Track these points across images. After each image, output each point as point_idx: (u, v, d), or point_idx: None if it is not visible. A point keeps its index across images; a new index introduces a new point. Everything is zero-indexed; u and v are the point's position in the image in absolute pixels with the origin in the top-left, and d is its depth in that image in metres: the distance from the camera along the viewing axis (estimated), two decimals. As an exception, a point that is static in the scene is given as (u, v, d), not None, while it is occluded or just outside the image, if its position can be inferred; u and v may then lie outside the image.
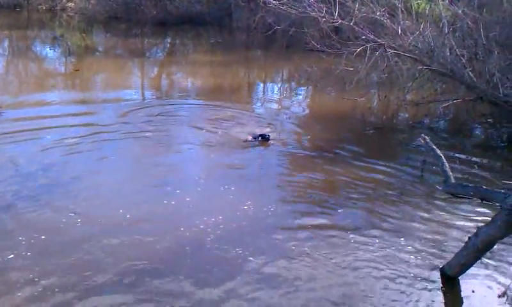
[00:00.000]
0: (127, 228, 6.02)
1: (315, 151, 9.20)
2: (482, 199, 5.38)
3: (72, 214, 6.21)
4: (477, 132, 11.36)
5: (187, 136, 9.56)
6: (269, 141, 9.32)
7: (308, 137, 10.13)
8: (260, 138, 9.37)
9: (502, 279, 5.39)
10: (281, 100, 13.97)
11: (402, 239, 6.15)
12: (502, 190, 4.87)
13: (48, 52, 19.77)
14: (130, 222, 6.12)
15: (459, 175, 6.96)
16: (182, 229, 6.02)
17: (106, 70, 16.37)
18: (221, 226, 6.14)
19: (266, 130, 9.87)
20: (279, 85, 16.49)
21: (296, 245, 5.88)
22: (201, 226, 6.09)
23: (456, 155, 8.76)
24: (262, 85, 16.26)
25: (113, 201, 6.69)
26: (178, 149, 8.97)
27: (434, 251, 5.94)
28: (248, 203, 6.81)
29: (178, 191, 7.03)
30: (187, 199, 6.86)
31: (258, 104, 13.23)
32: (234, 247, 5.71)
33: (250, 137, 9.40)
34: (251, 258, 5.51)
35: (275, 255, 5.65)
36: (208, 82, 15.34)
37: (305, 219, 6.64)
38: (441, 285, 5.32)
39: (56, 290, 4.80)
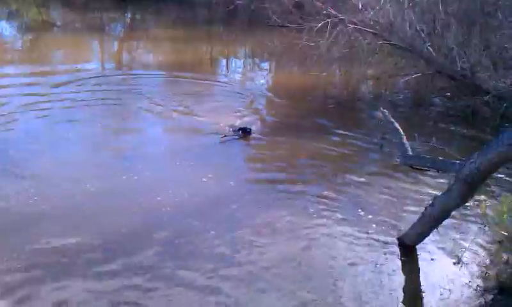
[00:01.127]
0: (91, 202, 5.94)
1: (277, 125, 9.23)
2: (438, 170, 5.49)
3: (32, 190, 6.07)
4: (436, 106, 11.54)
5: (148, 110, 9.44)
6: (251, 135, 8.34)
7: (272, 111, 10.15)
8: (240, 132, 8.34)
9: (457, 247, 5.55)
10: (244, 75, 13.91)
11: (360, 210, 6.27)
12: (458, 161, 4.98)
13: (4, 27, 19.11)
14: (93, 197, 6.04)
15: (418, 148, 7.08)
16: (144, 203, 5.98)
17: (64, 45, 15.95)
18: (183, 200, 6.14)
19: (245, 121, 9.02)
20: (242, 61, 16.40)
21: (256, 216, 5.95)
22: (163, 201, 6.05)
23: (415, 128, 8.89)
24: (225, 61, 16.14)
25: (75, 176, 6.56)
26: (139, 123, 8.87)
27: (392, 221, 6.07)
28: (209, 176, 6.81)
29: (139, 166, 6.95)
30: (147, 173, 6.80)
31: (221, 80, 13.12)
32: (195, 219, 5.72)
33: (228, 129, 8.51)
34: (212, 232, 5.52)
35: (236, 226, 5.69)
36: (170, 57, 15.14)
37: (266, 190, 6.74)
38: (399, 254, 5.44)
39: (17, 268, 4.71)
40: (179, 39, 17.59)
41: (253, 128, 8.53)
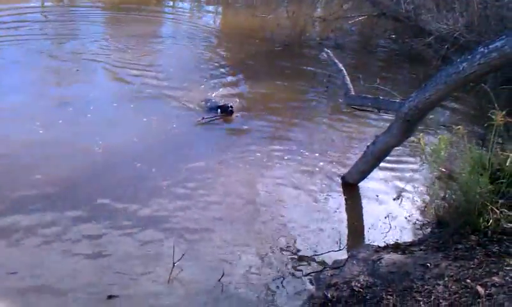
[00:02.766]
0: (34, 149, 5.81)
1: (224, 68, 9.15)
2: (379, 109, 5.62)
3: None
4: (381, 48, 11.70)
5: (92, 52, 9.18)
6: (233, 115, 7.16)
7: (223, 54, 10.03)
8: (219, 111, 7.15)
9: (397, 184, 5.77)
10: (191, 18, 13.59)
11: (305, 151, 6.39)
12: (398, 100, 5.10)
13: None
14: (36, 144, 5.91)
15: (363, 89, 7.19)
16: (87, 148, 5.88)
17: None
18: (128, 144, 6.10)
19: (220, 94, 7.95)
20: (188, 2, 16.01)
21: (203, 156, 6.02)
22: (107, 145, 5.98)
23: (360, 69, 9.01)
24: (171, 2, 15.69)
25: (17, 121, 6.40)
26: (82, 66, 8.56)
27: (337, 160, 6.22)
28: (153, 118, 6.78)
29: (82, 111, 6.81)
30: (91, 118, 6.69)
31: (167, 22, 12.81)
32: (139, 162, 5.71)
33: (206, 109, 7.30)
34: (158, 174, 5.53)
35: (183, 165, 5.74)
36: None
37: (211, 133, 6.77)
38: (343, 192, 5.61)
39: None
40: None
41: (234, 105, 7.39)
